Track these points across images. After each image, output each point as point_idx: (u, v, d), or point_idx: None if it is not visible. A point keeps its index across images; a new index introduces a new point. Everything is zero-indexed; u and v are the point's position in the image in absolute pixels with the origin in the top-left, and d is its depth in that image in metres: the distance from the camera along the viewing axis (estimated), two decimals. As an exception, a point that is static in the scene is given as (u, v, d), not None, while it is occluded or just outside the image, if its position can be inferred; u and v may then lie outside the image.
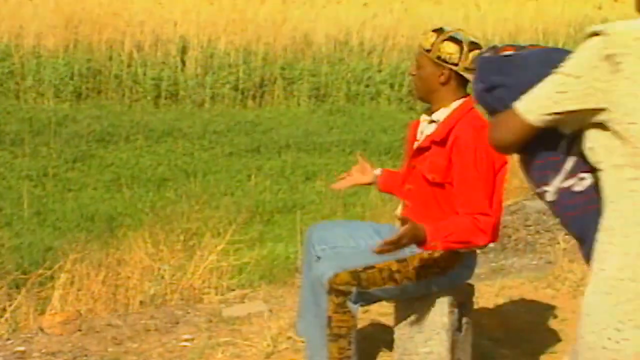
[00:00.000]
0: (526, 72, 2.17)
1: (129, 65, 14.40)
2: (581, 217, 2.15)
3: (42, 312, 5.14)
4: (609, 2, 19.72)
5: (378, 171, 3.90)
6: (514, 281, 5.34)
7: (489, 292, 5.05)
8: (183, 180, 9.85)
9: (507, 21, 18.18)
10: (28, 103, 13.28)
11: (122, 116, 12.61)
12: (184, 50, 14.89)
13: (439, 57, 3.50)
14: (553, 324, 4.63)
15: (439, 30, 3.54)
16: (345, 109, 14.27)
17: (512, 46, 2.36)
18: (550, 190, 2.18)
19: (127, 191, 9.29)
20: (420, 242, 3.31)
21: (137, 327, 4.73)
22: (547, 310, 4.79)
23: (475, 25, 17.41)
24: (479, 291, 4.43)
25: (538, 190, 2.22)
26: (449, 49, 3.49)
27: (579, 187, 2.14)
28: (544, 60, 2.15)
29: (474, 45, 3.51)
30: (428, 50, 3.51)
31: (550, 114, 2.05)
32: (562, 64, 2.06)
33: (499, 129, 2.16)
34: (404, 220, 3.31)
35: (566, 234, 7.23)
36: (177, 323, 4.83)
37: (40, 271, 5.64)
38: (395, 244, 3.23)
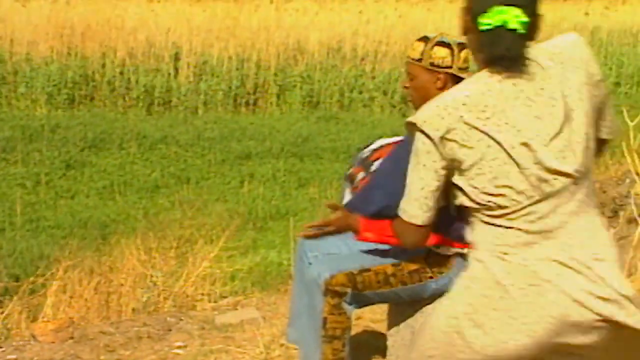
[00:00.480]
0: (394, 183, 2.55)
1: (121, 73, 14.40)
2: None
3: (35, 320, 5.12)
4: (598, 9, 19.81)
5: None
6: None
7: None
8: (176, 187, 9.84)
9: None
10: (21, 110, 13.27)
11: (115, 123, 12.60)
12: (176, 57, 14.90)
13: (432, 64, 3.51)
14: (546, 330, 4.62)
15: (424, 39, 3.57)
16: (338, 115, 14.29)
17: (358, 167, 2.92)
18: None
19: (119, 198, 9.28)
20: (355, 232, 3.36)
21: (129, 334, 4.72)
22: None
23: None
24: (471, 298, 4.42)
25: None
26: (441, 53, 3.52)
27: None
28: (391, 172, 2.59)
29: (462, 45, 3.55)
30: (419, 60, 3.53)
31: (427, 210, 2.42)
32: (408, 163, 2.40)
33: (404, 237, 2.57)
34: (332, 208, 3.39)
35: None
36: (170, 330, 4.82)
37: (33, 278, 5.63)
38: (321, 231, 3.34)
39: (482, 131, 2.30)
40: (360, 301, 3.48)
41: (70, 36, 15.11)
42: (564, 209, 2.34)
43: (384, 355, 3.72)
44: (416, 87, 3.56)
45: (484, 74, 2.35)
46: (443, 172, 2.36)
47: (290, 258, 6.44)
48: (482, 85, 2.34)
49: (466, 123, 2.31)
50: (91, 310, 5.27)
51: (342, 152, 11.53)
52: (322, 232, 3.35)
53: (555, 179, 2.31)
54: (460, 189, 2.36)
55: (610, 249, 2.39)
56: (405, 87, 3.62)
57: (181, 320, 5.03)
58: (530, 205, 2.31)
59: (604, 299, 2.29)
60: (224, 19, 16.23)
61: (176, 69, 14.68)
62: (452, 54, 3.52)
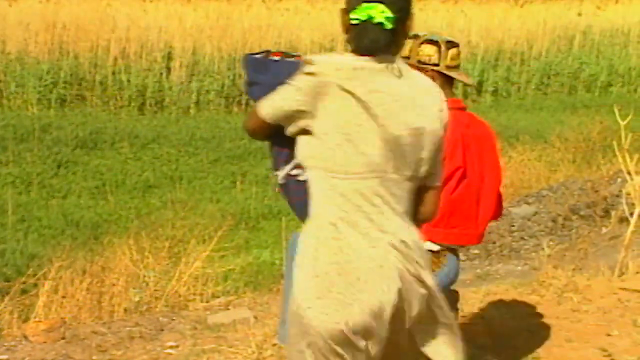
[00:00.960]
0: (276, 77, 2.60)
1: (113, 72, 14.38)
2: (304, 202, 2.59)
3: (26, 320, 5.11)
4: (590, 9, 19.84)
5: None
6: (499, 287, 5.35)
7: (474, 298, 5.06)
8: (168, 187, 9.83)
9: (493, 28, 18.26)
10: (12, 109, 13.24)
11: (107, 123, 12.58)
12: (169, 57, 14.88)
13: (419, 61, 3.53)
14: (537, 329, 4.64)
15: (414, 37, 3.58)
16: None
17: (282, 52, 2.77)
18: (280, 175, 2.66)
19: (111, 198, 9.27)
20: None
21: (121, 334, 4.71)
22: (532, 316, 4.80)
23: (460, 32, 17.48)
24: (464, 297, 4.43)
25: (273, 174, 2.70)
26: (428, 51, 3.54)
27: (303, 177, 2.59)
28: (289, 71, 2.56)
29: (450, 44, 3.57)
30: (407, 57, 3.54)
31: (276, 114, 2.55)
32: (295, 77, 2.53)
33: (248, 120, 2.66)
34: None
35: (550, 240, 7.26)
36: (162, 330, 4.81)
37: (24, 278, 5.61)
38: None
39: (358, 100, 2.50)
40: None
41: (61, 35, 15.08)
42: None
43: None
44: None
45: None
46: (301, 108, 2.51)
47: (283, 258, 6.43)
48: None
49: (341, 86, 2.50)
50: (83, 310, 5.26)
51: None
52: None
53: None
54: (314, 140, 2.53)
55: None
56: None
57: (173, 320, 5.03)
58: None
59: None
60: (216, 19, 16.22)
61: (168, 69, 14.66)
62: (439, 52, 3.54)
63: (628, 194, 6.23)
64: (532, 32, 18.35)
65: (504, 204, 8.28)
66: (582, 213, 7.90)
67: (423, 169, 2.56)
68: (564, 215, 7.83)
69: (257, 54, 2.78)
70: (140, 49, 15.03)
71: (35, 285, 5.53)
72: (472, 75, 16.24)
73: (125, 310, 5.35)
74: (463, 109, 3.66)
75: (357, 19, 2.52)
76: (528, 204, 8.27)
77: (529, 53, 17.85)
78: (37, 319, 5.00)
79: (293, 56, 2.72)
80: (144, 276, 5.71)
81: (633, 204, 5.90)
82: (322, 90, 2.48)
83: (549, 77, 17.38)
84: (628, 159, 6.03)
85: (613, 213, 7.60)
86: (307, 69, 2.51)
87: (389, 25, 2.52)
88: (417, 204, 2.62)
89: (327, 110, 2.49)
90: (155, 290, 5.60)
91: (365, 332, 2.45)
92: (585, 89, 17.47)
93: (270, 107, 2.57)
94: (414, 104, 2.55)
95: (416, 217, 2.63)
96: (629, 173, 6.07)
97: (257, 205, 9.17)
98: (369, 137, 2.48)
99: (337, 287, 2.46)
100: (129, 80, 14.12)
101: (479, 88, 16.37)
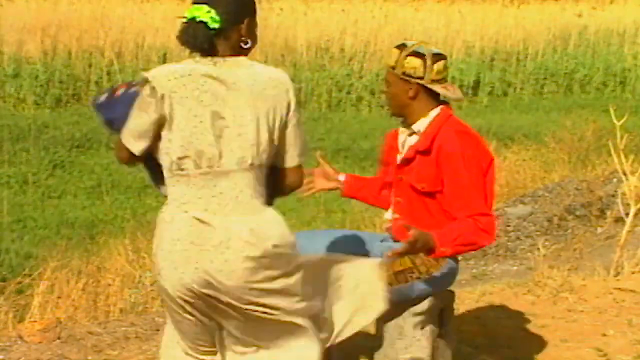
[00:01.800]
0: (126, 108, 2.86)
1: (108, 73, 14.37)
2: None
3: (22, 320, 5.11)
4: (587, 10, 19.87)
5: (342, 177, 3.91)
6: (495, 287, 5.36)
7: (470, 298, 5.07)
8: (164, 187, 9.83)
9: (489, 28, 18.27)
10: (7, 109, 13.23)
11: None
12: (165, 58, 14.87)
13: (404, 73, 3.52)
14: (533, 329, 4.65)
15: (401, 46, 3.57)
16: (326, 115, 14.29)
17: (127, 83, 3.05)
18: (163, 189, 2.89)
19: (107, 198, 9.27)
20: (430, 249, 3.35)
21: (117, 334, 4.71)
22: (527, 316, 4.81)
23: (457, 32, 17.50)
24: (459, 297, 4.44)
25: (158, 189, 2.96)
26: (413, 64, 3.51)
27: None
28: (132, 100, 2.85)
29: (437, 57, 3.54)
30: (393, 67, 3.54)
31: (137, 137, 2.82)
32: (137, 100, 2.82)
33: (118, 151, 2.91)
34: (407, 228, 3.31)
35: (546, 240, 7.27)
36: (158, 330, 4.81)
37: (20, 278, 5.61)
38: (409, 251, 3.29)
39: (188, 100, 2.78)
40: None
41: (56, 35, 15.07)
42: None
43: (371, 355, 3.74)
44: (390, 94, 3.58)
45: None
46: (155, 120, 2.78)
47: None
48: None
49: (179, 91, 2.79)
50: (79, 311, 5.26)
51: (331, 152, 11.53)
52: (411, 252, 3.32)
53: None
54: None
55: None
56: (384, 92, 3.66)
57: (169, 320, 5.03)
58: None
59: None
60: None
61: (164, 69, 14.65)
62: (425, 65, 3.51)
63: (623, 194, 6.24)
64: (528, 32, 18.37)
65: (500, 204, 8.28)
66: (577, 213, 7.91)
67: (266, 153, 2.80)
68: (560, 215, 7.84)
69: (101, 95, 3.09)
70: (136, 49, 15.03)
71: (31, 285, 5.53)
72: (468, 75, 16.25)
73: (121, 310, 5.35)
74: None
75: (185, 17, 2.81)
76: (524, 204, 8.29)
77: (525, 53, 17.86)
78: (32, 319, 5.00)
79: (137, 84, 2.94)
80: (140, 276, 5.71)
81: (628, 204, 5.91)
82: (164, 101, 2.75)
83: (544, 78, 17.39)
84: (623, 159, 6.05)
85: (608, 213, 7.62)
86: (144, 89, 2.78)
87: (213, 25, 2.78)
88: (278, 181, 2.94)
89: (172, 117, 2.76)
90: (151, 290, 5.60)
91: (191, 299, 2.79)
92: (581, 89, 17.49)
93: (129, 134, 2.82)
94: (251, 93, 2.79)
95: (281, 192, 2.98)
96: (624, 173, 6.08)
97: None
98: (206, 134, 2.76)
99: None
100: (124, 80, 14.11)
101: (475, 88, 16.37)
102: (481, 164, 3.50)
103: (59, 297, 5.33)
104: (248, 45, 2.91)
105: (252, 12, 2.90)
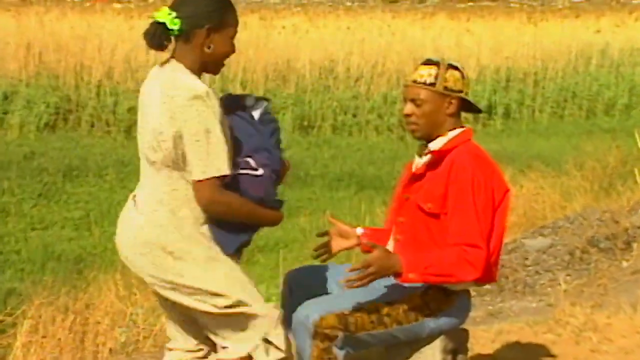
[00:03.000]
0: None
1: (98, 94, 14.42)
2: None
3: (4, 362, 5.10)
4: (610, 27, 19.94)
5: (359, 230, 3.89)
6: (512, 325, 5.34)
7: (485, 337, 5.05)
8: (157, 217, 9.83)
9: (504, 46, 18.33)
10: (-10, 135, 13.27)
11: (92, 149, 12.62)
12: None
13: (446, 88, 3.57)
14: (554, 371, 4.64)
15: (432, 62, 3.62)
16: (331, 140, 14.32)
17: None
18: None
19: (96, 230, 9.28)
20: (395, 274, 3.35)
21: (106, 377, 4.71)
22: (548, 357, 4.80)
23: (469, 51, 17.56)
24: (474, 336, 4.43)
25: None
26: (455, 77, 3.59)
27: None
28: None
29: (463, 69, 3.66)
30: (432, 84, 3.57)
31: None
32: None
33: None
34: (372, 247, 3.37)
35: (567, 275, 7.26)
36: (150, 372, 4.81)
37: (1, 317, 5.61)
38: (363, 274, 3.29)
39: None
40: (353, 345, 3.46)
41: (42, 55, 15.13)
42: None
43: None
44: (425, 113, 3.59)
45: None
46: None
47: (279, 293, 6.42)
48: None
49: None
50: (65, 351, 5.25)
51: (336, 179, 11.54)
52: (368, 278, 3.33)
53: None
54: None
55: None
56: (408, 115, 3.63)
57: (162, 361, 5.02)
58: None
59: None
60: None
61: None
62: (463, 77, 3.61)
63: (650, 225, 6.24)
64: (546, 51, 18.42)
65: (517, 236, 8.27)
66: (601, 245, 7.89)
67: (168, 159, 3.23)
68: (582, 248, 7.82)
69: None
70: (127, 68, 15.09)
71: (14, 324, 5.52)
72: (482, 97, 16.29)
73: (111, 350, 5.34)
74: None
75: (152, 17, 3.29)
76: (543, 235, 8.27)
77: (544, 73, 17.91)
78: (15, 361, 4.99)
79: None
80: (131, 314, 5.70)
81: (656, 236, 5.90)
82: None
83: (565, 100, 17.43)
84: (650, 188, 6.05)
85: (635, 245, 7.60)
86: (206, 108, 3.26)
87: (172, 26, 3.24)
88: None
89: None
90: (143, 328, 5.59)
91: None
92: (604, 112, 17.50)
93: (225, 161, 3.27)
94: (159, 97, 3.24)
95: None
96: (651, 203, 6.08)
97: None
98: (141, 132, 3.29)
99: None
100: (115, 102, 14.16)
101: (489, 111, 16.39)
102: (491, 194, 3.50)
103: (43, 337, 5.32)
104: (210, 50, 3.28)
105: (216, 20, 3.27)
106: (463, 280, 3.45)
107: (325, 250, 3.82)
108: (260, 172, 3.38)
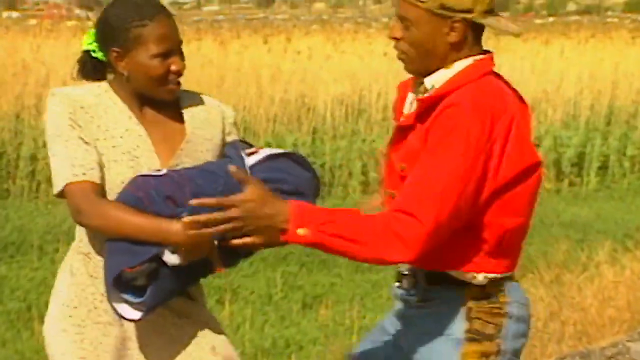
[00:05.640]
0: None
1: (44, 145, 14.49)
2: None
3: None
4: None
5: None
6: None
7: None
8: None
9: (600, 75, 18.31)
10: None
11: (36, 217, 12.66)
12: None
13: (443, 6, 3.31)
14: None
15: None
16: (359, 204, 14.29)
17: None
18: None
19: (39, 327, 9.28)
20: (277, 229, 3.19)
21: None
22: None
23: (551, 83, 17.55)
24: None
25: None
26: None
27: None
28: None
29: None
30: (422, 1, 3.33)
31: None
32: None
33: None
34: (242, 181, 3.25)
35: None
36: None
37: None
38: (220, 216, 3.20)
39: None
40: None
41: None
42: None
43: None
44: (415, 40, 3.41)
45: None
46: None
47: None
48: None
49: None
50: None
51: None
52: (224, 226, 3.22)
53: None
54: None
55: None
56: (395, 39, 3.47)
57: None
58: None
59: None
60: (199, 64, 16.34)
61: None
62: None
63: None
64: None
65: (619, 337, 8.27)
66: None
67: None
68: None
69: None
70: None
71: None
72: (567, 145, 16.24)
73: None
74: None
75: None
76: (653, 335, 8.25)
77: (656, 114, 17.89)
78: None
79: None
80: None
81: None
82: None
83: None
84: None
85: None
86: None
87: (94, 51, 3.75)
88: None
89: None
90: None
91: None
92: None
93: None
94: None
95: None
96: None
97: (255, 336, 9.14)
98: None
99: None
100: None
101: (579, 165, 16.35)
102: (484, 158, 3.27)
103: None
104: (127, 75, 3.67)
105: (122, 40, 3.64)
106: (385, 258, 3.27)
107: None
108: (162, 171, 3.58)
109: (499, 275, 3.43)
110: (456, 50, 3.38)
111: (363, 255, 3.25)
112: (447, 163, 3.22)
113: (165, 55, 3.66)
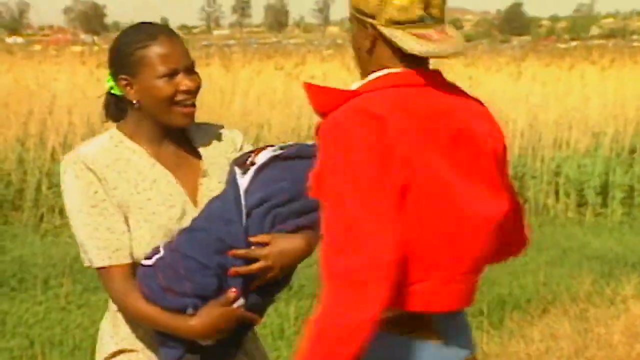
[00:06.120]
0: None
1: (49, 173, 14.50)
2: None
3: None
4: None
5: None
6: None
7: None
8: (129, 347, 9.79)
9: (624, 103, 18.30)
10: None
11: (39, 249, 12.65)
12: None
13: (357, 10, 3.16)
14: None
15: None
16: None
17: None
18: None
19: (43, 364, 9.25)
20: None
21: None
22: None
23: (574, 110, 17.54)
24: None
25: None
26: None
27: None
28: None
29: None
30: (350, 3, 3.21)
31: None
32: None
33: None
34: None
35: None
36: None
37: None
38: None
39: None
40: None
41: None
42: None
43: None
44: (352, 45, 3.29)
45: None
46: None
47: None
48: None
49: None
50: None
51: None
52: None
53: None
54: None
55: None
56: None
57: None
58: None
59: None
60: (205, 91, 16.34)
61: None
62: None
63: None
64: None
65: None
66: None
67: None
68: None
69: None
70: (89, 135, 15.20)
71: None
72: (591, 174, 16.19)
73: None
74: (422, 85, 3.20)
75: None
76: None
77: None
78: None
79: None
80: None
81: None
82: None
83: None
84: None
85: None
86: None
87: (115, 90, 3.75)
88: None
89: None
90: None
91: None
92: None
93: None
94: None
95: None
96: None
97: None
98: None
99: None
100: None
101: (603, 194, 16.30)
102: (388, 165, 2.98)
103: None
104: (138, 105, 3.67)
105: (127, 66, 3.65)
106: (359, 321, 3.09)
107: None
108: (151, 261, 3.61)
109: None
110: (371, 59, 3.17)
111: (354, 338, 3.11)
112: (335, 189, 3.04)
113: (171, 75, 3.64)
